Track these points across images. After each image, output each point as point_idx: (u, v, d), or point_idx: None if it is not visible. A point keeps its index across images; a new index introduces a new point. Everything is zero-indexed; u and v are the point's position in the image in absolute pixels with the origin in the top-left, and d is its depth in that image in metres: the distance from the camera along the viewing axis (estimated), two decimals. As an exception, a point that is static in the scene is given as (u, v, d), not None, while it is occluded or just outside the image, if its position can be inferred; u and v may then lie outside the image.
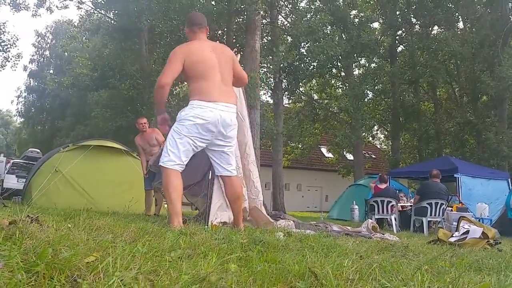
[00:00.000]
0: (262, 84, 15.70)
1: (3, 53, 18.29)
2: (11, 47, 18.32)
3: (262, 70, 15.44)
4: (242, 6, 13.97)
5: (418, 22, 21.44)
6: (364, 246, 2.95)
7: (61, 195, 6.94)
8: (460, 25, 22.24)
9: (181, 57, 3.47)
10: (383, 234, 4.63)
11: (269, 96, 22.75)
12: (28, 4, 17.76)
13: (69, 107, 31.74)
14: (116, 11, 16.35)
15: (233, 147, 3.58)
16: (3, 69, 19.00)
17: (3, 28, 17.74)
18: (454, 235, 4.49)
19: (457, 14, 20.51)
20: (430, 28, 21.75)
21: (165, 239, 2.19)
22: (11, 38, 18.21)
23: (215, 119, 3.36)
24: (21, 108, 41.02)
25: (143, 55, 15.95)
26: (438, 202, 8.06)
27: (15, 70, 22.98)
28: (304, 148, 23.58)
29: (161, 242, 2.08)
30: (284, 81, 19.02)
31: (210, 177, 3.83)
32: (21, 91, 41.55)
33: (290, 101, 23.33)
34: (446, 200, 8.41)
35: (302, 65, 18.31)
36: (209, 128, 3.38)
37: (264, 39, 17.95)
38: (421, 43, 20.43)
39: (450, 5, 19.55)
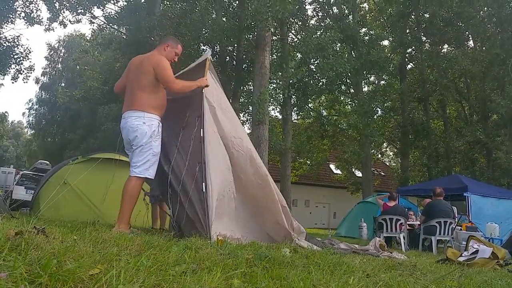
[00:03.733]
0: (271, 99, 15.76)
1: (16, 65, 18.55)
2: (23, 60, 18.59)
3: (271, 85, 15.52)
4: (252, 23, 14.13)
5: (428, 40, 21.46)
6: (371, 264, 2.91)
7: (69, 207, 6.95)
8: (471, 43, 22.24)
9: (126, 69, 4.26)
10: (391, 253, 4.56)
11: (278, 112, 22.84)
12: (42, 18, 18.12)
13: (79, 120, 32.06)
14: (128, 26, 16.59)
15: (137, 147, 3.92)
16: (16, 81, 19.25)
17: (17, 41, 18.04)
18: (463, 255, 4.43)
19: (467, 32, 20.50)
20: (440, 47, 21.76)
21: (170, 253, 2.18)
22: (24, 51, 18.48)
23: (121, 129, 4.03)
24: (32, 120, 41.52)
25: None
26: (447, 221, 7.96)
27: (26, 82, 23.28)
28: (313, 164, 23.50)
29: (166, 256, 2.07)
30: (293, 97, 19.08)
31: (204, 190, 3.75)
32: (32, 103, 42.16)
33: (299, 117, 23.35)
34: (453, 218, 8.30)
35: (311, 81, 18.38)
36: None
37: (274, 55, 18.08)
38: (431, 61, 20.41)
39: (461, 24, 19.56)
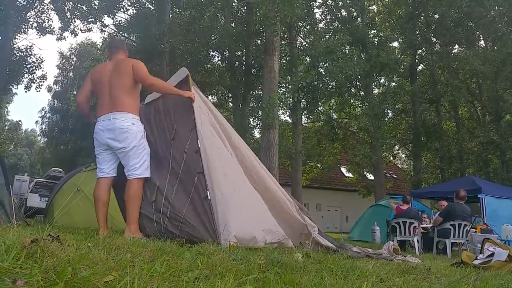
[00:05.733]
0: (281, 103, 15.75)
1: (28, 75, 18.82)
2: (36, 69, 18.84)
3: (280, 90, 15.53)
4: (261, 28, 14.17)
5: (438, 41, 21.32)
6: (385, 269, 2.89)
7: (82, 214, 7.00)
8: (481, 43, 22.04)
9: (89, 77, 4.25)
10: (405, 257, 4.52)
11: (287, 116, 22.83)
12: (53, 27, 18.40)
13: (91, 127, 32.09)
14: (138, 34, 16.77)
15: (129, 149, 3.91)
16: (29, 90, 19.52)
17: (30, 51, 18.31)
18: (478, 258, 4.37)
19: (478, 32, 20.33)
20: (451, 47, 21.59)
21: (183, 259, 2.20)
22: (37, 60, 18.74)
23: (97, 131, 4.02)
24: (45, 128, 41.98)
25: (163, 76, 16.22)
26: (461, 224, 7.86)
27: (39, 91, 23.60)
28: (323, 168, 23.41)
29: (178, 262, 2.08)
30: (303, 100, 19.07)
31: (209, 198, 3.73)
32: (45, 111, 42.58)
33: (309, 120, 23.30)
34: (469, 221, 8.19)
35: (321, 85, 18.35)
36: (97, 139, 4.05)
37: (283, 59, 18.10)
38: (442, 62, 20.25)
39: (471, 24, 19.40)
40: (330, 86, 18.84)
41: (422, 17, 21.20)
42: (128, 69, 3.98)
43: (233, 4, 16.66)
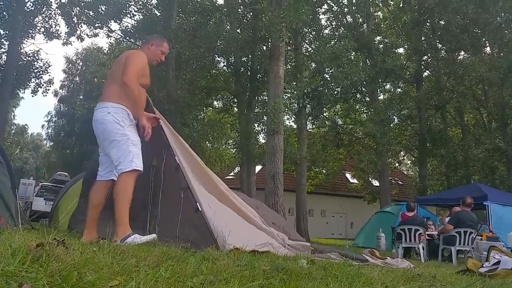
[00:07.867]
0: (286, 109, 15.76)
1: (35, 79, 18.95)
2: (43, 74, 18.98)
3: (286, 95, 15.55)
4: (266, 34, 14.22)
5: (444, 48, 21.26)
6: (390, 276, 2.87)
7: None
8: (488, 50, 21.96)
9: None
10: (384, 259, 4.49)
11: (292, 121, 22.82)
12: (60, 32, 18.57)
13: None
14: (145, 40, 16.90)
15: (109, 142, 3.46)
16: (35, 94, 19.65)
17: (37, 55, 18.46)
18: (484, 266, 4.34)
19: (484, 39, 20.27)
20: (456, 53, 21.52)
21: (188, 264, 2.19)
22: (43, 65, 18.88)
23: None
24: (51, 132, 42.18)
25: (170, 82, 16.29)
26: (467, 231, 7.81)
27: (46, 95, 23.72)
28: (328, 174, 23.36)
29: (183, 267, 2.08)
30: (308, 106, 19.08)
31: (201, 209, 3.69)
32: (51, 115, 42.76)
33: (314, 126, 23.28)
34: (475, 229, 8.14)
35: (326, 91, 18.37)
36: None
37: (288, 65, 18.13)
38: (447, 68, 20.19)
39: (477, 30, 19.36)
40: (335, 92, 18.85)
41: (427, 24, 21.18)
42: (122, 59, 3.62)
43: (239, 10, 16.74)
